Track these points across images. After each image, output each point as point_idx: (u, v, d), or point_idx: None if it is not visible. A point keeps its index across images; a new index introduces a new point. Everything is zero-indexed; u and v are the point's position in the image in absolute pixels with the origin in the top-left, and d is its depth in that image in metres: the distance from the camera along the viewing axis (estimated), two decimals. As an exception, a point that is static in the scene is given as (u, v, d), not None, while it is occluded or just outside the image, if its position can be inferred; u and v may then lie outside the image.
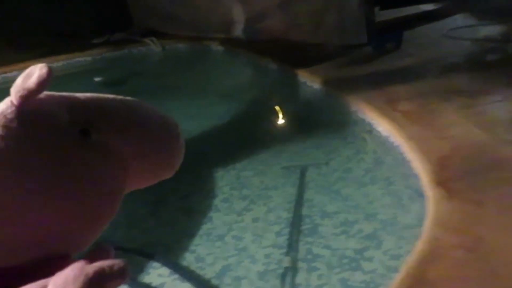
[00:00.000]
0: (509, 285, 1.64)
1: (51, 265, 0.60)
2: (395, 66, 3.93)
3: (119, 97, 0.70)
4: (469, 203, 2.08)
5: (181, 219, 3.18)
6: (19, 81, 0.62)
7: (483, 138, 2.59)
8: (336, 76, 3.94)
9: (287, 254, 2.68)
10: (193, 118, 4.77)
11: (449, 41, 4.28)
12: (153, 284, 2.53)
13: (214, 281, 2.58)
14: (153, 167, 0.71)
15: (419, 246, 1.84)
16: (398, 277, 1.72)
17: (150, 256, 2.69)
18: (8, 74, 5.75)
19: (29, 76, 0.62)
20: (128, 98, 0.71)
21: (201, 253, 2.77)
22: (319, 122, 3.85)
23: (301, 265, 2.61)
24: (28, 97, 0.62)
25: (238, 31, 5.59)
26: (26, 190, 0.59)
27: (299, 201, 3.16)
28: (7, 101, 0.64)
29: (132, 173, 0.68)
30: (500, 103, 3.00)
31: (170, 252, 2.86)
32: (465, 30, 4.40)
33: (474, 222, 1.95)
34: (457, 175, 2.30)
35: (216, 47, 5.61)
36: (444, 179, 2.26)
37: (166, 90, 5.48)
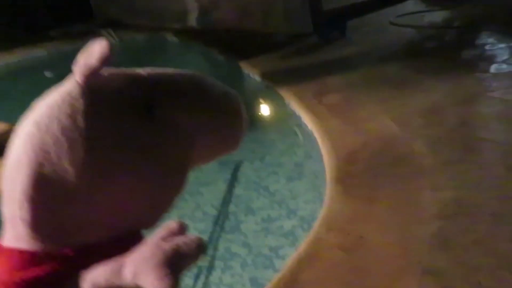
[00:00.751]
0: (378, 283, 1.64)
1: (124, 241, 0.60)
2: (335, 55, 3.89)
3: (181, 71, 0.68)
4: (361, 201, 2.07)
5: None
6: (80, 58, 0.60)
7: (396, 132, 2.57)
8: (276, 68, 3.91)
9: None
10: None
11: (394, 28, 4.22)
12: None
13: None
14: (217, 141, 0.69)
15: (302, 246, 1.83)
16: (274, 279, 1.71)
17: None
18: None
19: (90, 53, 0.59)
20: (190, 72, 0.68)
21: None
22: (258, 115, 3.82)
23: (218, 263, 2.61)
24: (91, 75, 0.60)
25: (192, 20, 5.53)
26: (95, 168, 0.59)
27: (227, 197, 3.15)
28: (72, 80, 0.62)
29: (197, 148, 0.66)
30: (424, 93, 2.97)
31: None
32: (411, 16, 4.33)
33: (359, 222, 1.94)
34: (359, 171, 2.28)
35: (171, 38, 5.55)
36: (345, 175, 2.24)
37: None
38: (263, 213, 2.90)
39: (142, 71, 0.67)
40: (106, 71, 0.64)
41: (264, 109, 3.81)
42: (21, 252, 0.60)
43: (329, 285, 1.69)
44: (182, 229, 0.64)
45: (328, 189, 2.17)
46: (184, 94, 0.66)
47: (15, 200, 0.60)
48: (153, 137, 0.62)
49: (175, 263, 0.55)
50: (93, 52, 0.60)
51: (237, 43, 4.66)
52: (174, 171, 0.65)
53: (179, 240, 0.58)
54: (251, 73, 4.05)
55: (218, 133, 0.69)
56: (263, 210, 2.94)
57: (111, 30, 6.00)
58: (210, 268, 2.58)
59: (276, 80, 3.67)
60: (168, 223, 0.63)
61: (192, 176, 2.68)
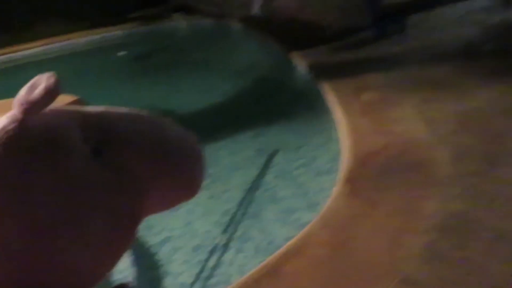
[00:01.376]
0: (352, 286, 1.66)
1: None
2: (386, 52, 3.78)
3: (135, 111, 0.63)
4: (364, 203, 2.07)
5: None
6: (22, 92, 0.55)
7: (423, 136, 2.49)
8: (324, 61, 3.90)
9: (223, 232, 2.83)
10: (201, 93, 4.99)
11: (457, 26, 3.96)
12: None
13: (153, 249, 2.82)
14: (172, 190, 0.63)
15: (293, 240, 1.90)
16: (257, 267, 1.81)
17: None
18: (50, 46, 6.35)
19: (34, 87, 0.55)
20: (143, 113, 0.63)
21: (152, 223, 3.01)
22: (301, 107, 3.84)
23: (233, 245, 2.75)
24: (32, 111, 0.54)
25: (256, 9, 5.64)
26: (31, 219, 0.52)
27: (255, 184, 3.26)
28: (10, 115, 0.56)
29: (151, 196, 0.61)
30: (466, 98, 2.80)
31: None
32: (483, 13, 4.02)
33: (356, 223, 1.95)
34: (371, 173, 2.27)
35: (235, 25, 5.70)
36: (356, 176, 2.24)
37: (185, 65, 5.72)
38: (285, 203, 2.97)
39: (92, 109, 0.62)
40: (51, 109, 0.58)
41: (304, 102, 3.83)
42: None
43: (306, 281, 1.75)
44: None
45: (336, 188, 2.19)
46: (136, 136, 0.60)
47: None
48: (99, 184, 0.56)
49: None
50: (37, 86, 0.55)
51: (293, 33, 4.68)
52: (123, 223, 0.59)
53: None
54: (299, 64, 4.07)
55: (175, 179, 0.63)
56: (286, 200, 3.01)
57: (181, 14, 6.31)
58: (225, 248, 2.72)
59: (321, 73, 3.67)
60: (118, 285, 0.60)
61: (228, 160, 2.84)
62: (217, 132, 4.13)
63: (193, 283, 2.46)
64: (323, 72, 3.69)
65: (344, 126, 2.82)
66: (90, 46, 6.26)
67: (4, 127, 0.54)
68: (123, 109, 0.62)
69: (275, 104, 4.19)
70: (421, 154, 2.34)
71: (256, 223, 2.88)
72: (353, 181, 2.20)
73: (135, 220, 0.60)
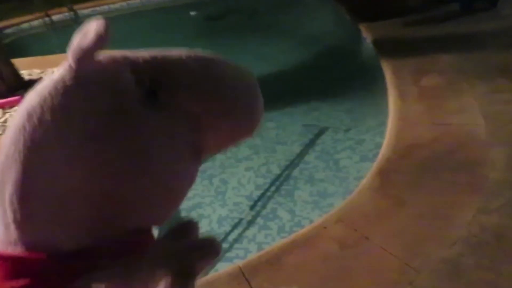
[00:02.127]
0: (359, 283, 1.52)
1: (129, 241, 0.57)
2: (466, 30, 3.33)
3: (188, 51, 0.61)
4: (391, 201, 1.87)
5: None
6: (75, 40, 0.55)
7: (481, 133, 2.17)
8: (392, 35, 3.56)
9: (252, 207, 2.76)
10: (265, 59, 4.86)
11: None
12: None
13: (180, 214, 2.84)
14: (230, 128, 0.62)
15: (300, 231, 1.78)
16: (259, 252, 1.73)
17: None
18: (132, 1, 6.56)
19: (85, 34, 0.54)
20: (199, 52, 0.62)
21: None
22: (360, 85, 3.56)
23: (259, 221, 2.68)
24: (85, 58, 0.55)
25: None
26: (91, 164, 0.53)
27: (295, 161, 3.12)
28: (65, 65, 0.57)
29: (209, 136, 0.61)
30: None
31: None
32: None
33: (374, 222, 1.77)
34: (408, 168, 2.03)
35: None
36: (391, 169, 2.03)
37: (257, 29, 5.59)
38: (321, 186, 2.81)
39: (145, 52, 0.61)
40: (104, 54, 0.58)
41: (364, 79, 3.54)
42: (13, 258, 0.55)
43: (306, 275, 1.62)
44: (195, 229, 0.60)
45: (365, 180, 1.99)
46: (190, 76, 0.59)
47: (5, 200, 0.55)
48: (155, 127, 0.56)
49: (188, 270, 0.52)
50: (88, 32, 0.54)
51: (370, 5, 4.31)
52: (182, 163, 0.59)
53: (195, 243, 0.55)
54: (367, 37, 3.77)
55: (232, 118, 0.62)
56: (323, 183, 2.85)
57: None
58: (250, 223, 2.66)
59: (385, 49, 3.36)
60: (181, 222, 0.60)
61: (274, 133, 2.73)
62: (270, 102, 3.96)
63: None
64: (387, 48, 3.37)
65: (395, 111, 2.56)
66: (167, 3, 6.38)
67: (62, 77, 0.56)
68: (174, 51, 0.62)
69: (334, 79, 3.93)
70: (471, 154, 2.04)
71: (286, 203, 2.77)
72: (386, 174, 1.99)
73: (195, 159, 0.61)
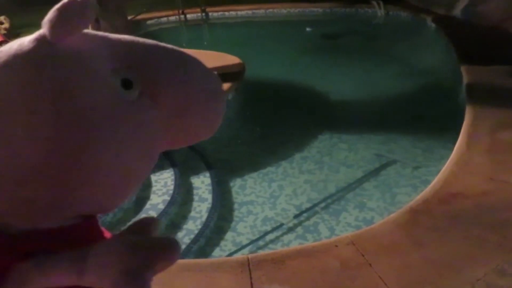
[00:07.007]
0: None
1: (80, 226, 0.58)
2: None
3: (162, 44, 0.62)
4: (410, 239, 1.88)
5: (259, 154, 3.68)
6: (53, 13, 0.52)
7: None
8: (487, 82, 3.42)
9: (296, 216, 2.90)
10: (363, 81, 4.88)
11: None
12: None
13: (234, 206, 3.08)
14: (194, 125, 0.64)
15: (314, 243, 1.92)
16: (265, 251, 1.88)
17: (209, 167, 3.34)
18: (256, 11, 7.03)
19: (67, 8, 0.52)
20: (171, 46, 0.63)
21: (249, 185, 3.27)
22: (447, 127, 3.42)
23: (298, 230, 2.81)
24: (66, 33, 0.52)
25: (458, 9, 5.10)
26: (58, 144, 0.52)
27: (353, 186, 3.17)
28: (36, 37, 0.54)
29: (171, 131, 0.62)
30: None
31: (232, 168, 3.45)
32: None
33: (385, 253, 1.80)
34: (442, 214, 2.01)
35: (430, 23, 5.27)
36: (425, 210, 2.05)
37: (368, 53, 5.63)
38: (369, 215, 2.82)
39: (123, 37, 0.62)
40: (84, 33, 0.56)
41: (447, 122, 3.43)
42: None
43: (302, 281, 1.74)
44: (154, 227, 0.61)
45: (394, 214, 2.03)
46: (165, 69, 0.61)
47: None
48: (127, 113, 0.56)
49: (143, 271, 0.51)
50: (72, 7, 0.52)
51: (480, 47, 4.14)
52: (145, 154, 0.60)
53: (152, 241, 0.55)
54: (464, 80, 3.66)
55: (199, 118, 0.64)
56: (371, 212, 2.85)
57: (381, 1, 6.14)
58: (289, 230, 2.79)
59: (474, 93, 3.26)
60: (142, 219, 0.62)
61: (344, 155, 2.97)
62: (350, 124, 4.05)
63: (244, 246, 2.64)
64: (477, 94, 3.24)
65: (455, 157, 2.50)
66: (288, 17, 6.74)
67: (33, 49, 0.54)
68: (151, 41, 0.62)
69: (420, 115, 3.87)
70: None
71: (330, 221, 2.85)
72: (416, 214, 2.00)
73: (154, 153, 0.62)
